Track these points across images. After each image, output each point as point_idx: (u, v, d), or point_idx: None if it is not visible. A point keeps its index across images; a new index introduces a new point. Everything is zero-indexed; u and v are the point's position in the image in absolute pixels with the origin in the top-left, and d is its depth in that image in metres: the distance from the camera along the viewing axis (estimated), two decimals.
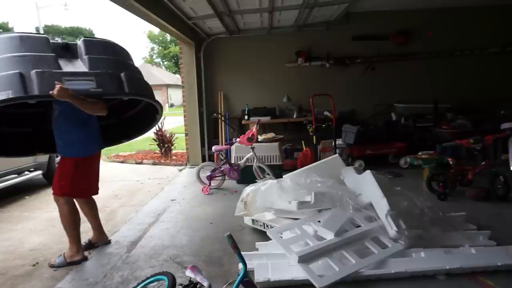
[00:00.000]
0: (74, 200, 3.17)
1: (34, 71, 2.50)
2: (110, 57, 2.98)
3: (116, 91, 2.79)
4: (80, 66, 2.84)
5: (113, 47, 3.10)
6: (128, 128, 3.60)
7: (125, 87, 2.79)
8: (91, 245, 3.40)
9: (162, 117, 9.19)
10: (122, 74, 2.83)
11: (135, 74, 3.04)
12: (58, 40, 3.14)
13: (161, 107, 3.18)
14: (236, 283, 1.99)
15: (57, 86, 2.51)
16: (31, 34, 2.85)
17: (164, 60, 50.67)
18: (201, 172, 5.54)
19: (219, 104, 7.53)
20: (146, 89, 3.03)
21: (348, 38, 7.29)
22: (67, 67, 2.77)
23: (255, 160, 5.22)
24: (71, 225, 3.09)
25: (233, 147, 5.65)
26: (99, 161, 3.33)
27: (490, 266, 2.58)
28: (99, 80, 2.74)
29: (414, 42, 7.25)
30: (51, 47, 2.77)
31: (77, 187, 3.07)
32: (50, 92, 2.49)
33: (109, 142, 3.46)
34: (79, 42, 2.96)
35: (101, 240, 3.44)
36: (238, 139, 5.36)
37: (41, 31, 28.33)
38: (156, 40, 50.57)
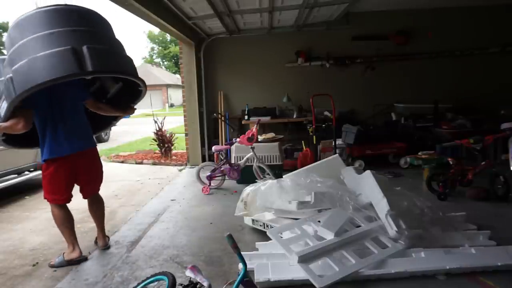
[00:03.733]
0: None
1: None
2: (22, 42, 2.46)
3: (11, 99, 2.41)
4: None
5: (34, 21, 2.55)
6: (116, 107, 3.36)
7: (13, 89, 2.37)
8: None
9: (162, 117, 9.18)
10: (13, 69, 2.38)
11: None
12: None
13: (141, 83, 2.86)
14: (236, 283, 1.99)
15: None
16: None
17: (164, 60, 50.73)
18: (201, 172, 5.54)
19: (219, 104, 7.53)
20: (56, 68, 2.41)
21: (348, 38, 7.28)
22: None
23: (255, 160, 5.22)
24: (61, 225, 3.10)
25: (233, 147, 5.65)
26: (74, 165, 3.05)
27: (490, 266, 2.58)
28: (4, 92, 2.46)
29: (414, 42, 7.25)
30: None
31: (45, 191, 3.04)
32: None
33: (101, 128, 3.46)
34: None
35: (100, 243, 3.39)
36: (238, 139, 5.36)
37: None
38: (156, 40, 50.64)
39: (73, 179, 3.11)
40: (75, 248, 3.11)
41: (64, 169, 3.01)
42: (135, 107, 3.38)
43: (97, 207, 3.36)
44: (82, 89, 3.18)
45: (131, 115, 3.50)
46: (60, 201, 3.07)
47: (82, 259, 3.09)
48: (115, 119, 3.63)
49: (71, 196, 3.15)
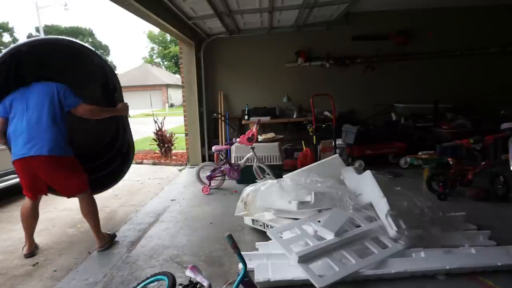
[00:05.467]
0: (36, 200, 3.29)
1: None
2: None
3: None
4: None
5: None
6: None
7: None
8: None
9: (162, 117, 9.16)
10: None
11: None
12: None
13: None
14: (236, 283, 1.99)
15: None
16: None
17: (164, 60, 50.65)
18: (201, 172, 5.54)
19: (219, 104, 7.53)
20: None
21: (348, 38, 7.28)
22: None
23: (255, 160, 5.22)
24: (24, 221, 3.30)
25: (233, 147, 5.64)
26: (35, 168, 3.08)
27: (490, 266, 2.58)
28: None
29: (414, 42, 7.25)
30: None
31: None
32: None
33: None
34: None
35: (96, 245, 3.34)
36: (238, 139, 5.36)
37: (41, 31, 28.28)
38: (156, 40, 50.56)
39: (37, 180, 3.17)
40: (26, 244, 3.34)
41: (26, 170, 3.11)
42: (126, 102, 3.49)
43: (86, 208, 3.31)
44: (68, 95, 3.17)
45: (129, 114, 3.52)
46: (28, 196, 3.24)
47: (28, 256, 3.28)
48: (125, 131, 3.72)
49: (38, 194, 3.28)
